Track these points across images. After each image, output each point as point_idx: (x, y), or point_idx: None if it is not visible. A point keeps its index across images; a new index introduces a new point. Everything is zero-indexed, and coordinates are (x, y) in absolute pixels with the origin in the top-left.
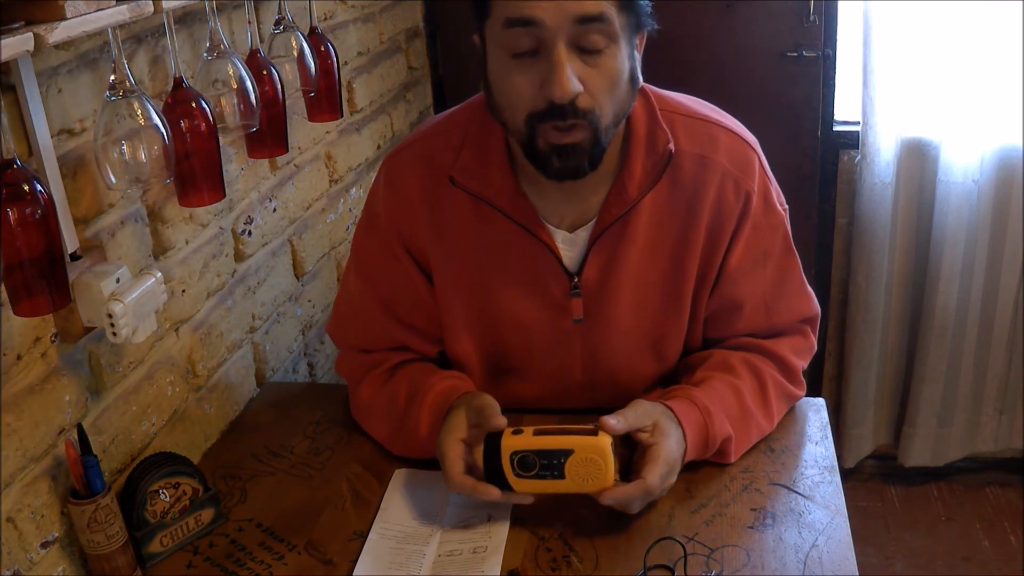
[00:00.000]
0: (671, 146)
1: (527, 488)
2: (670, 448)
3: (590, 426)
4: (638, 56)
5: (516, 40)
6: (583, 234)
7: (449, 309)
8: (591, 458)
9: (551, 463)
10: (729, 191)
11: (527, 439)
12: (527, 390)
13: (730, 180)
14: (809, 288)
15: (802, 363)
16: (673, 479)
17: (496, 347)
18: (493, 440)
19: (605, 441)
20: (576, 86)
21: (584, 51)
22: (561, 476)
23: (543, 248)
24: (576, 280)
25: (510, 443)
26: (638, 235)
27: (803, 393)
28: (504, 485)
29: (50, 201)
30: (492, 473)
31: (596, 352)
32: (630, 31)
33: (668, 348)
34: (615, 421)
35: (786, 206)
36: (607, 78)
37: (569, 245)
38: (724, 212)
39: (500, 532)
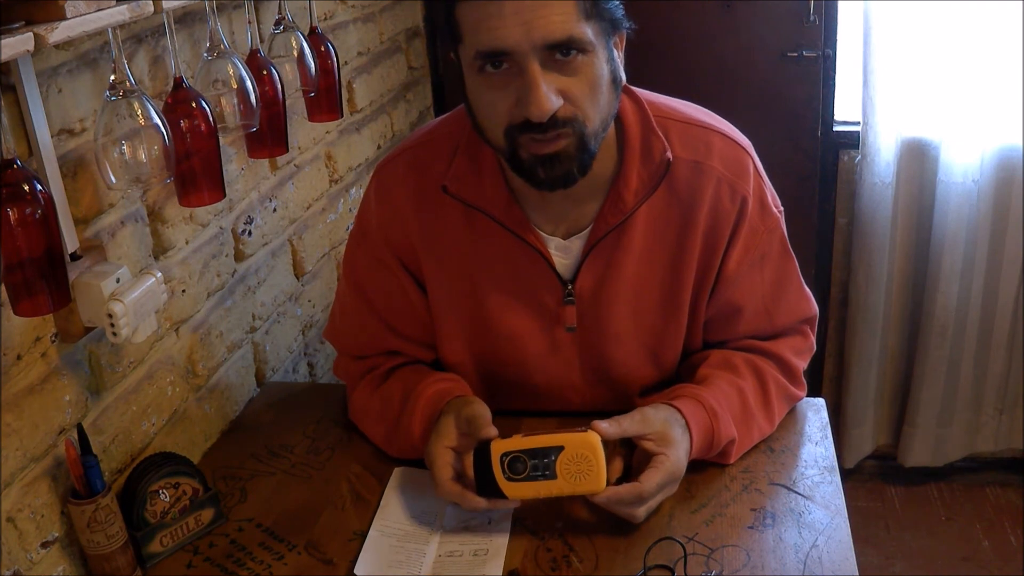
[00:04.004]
0: (669, 155)
1: (519, 493)
2: (678, 459)
3: (582, 427)
4: (619, 56)
5: (489, 63)
6: (578, 242)
7: (442, 318)
8: (582, 454)
9: (541, 462)
10: (725, 196)
11: (516, 441)
12: (524, 397)
13: (725, 185)
14: (807, 289)
15: (802, 364)
16: (674, 488)
17: (490, 355)
18: (483, 447)
19: (595, 437)
20: (554, 103)
21: (560, 62)
22: (553, 476)
23: (536, 255)
24: (570, 288)
25: (500, 446)
26: (634, 243)
27: (804, 394)
28: (496, 492)
29: (50, 201)
30: (483, 480)
31: (594, 360)
32: (604, 36)
33: (666, 354)
34: (607, 425)
35: (781, 208)
36: (587, 85)
37: (563, 253)
38: (720, 217)
39: (501, 534)
